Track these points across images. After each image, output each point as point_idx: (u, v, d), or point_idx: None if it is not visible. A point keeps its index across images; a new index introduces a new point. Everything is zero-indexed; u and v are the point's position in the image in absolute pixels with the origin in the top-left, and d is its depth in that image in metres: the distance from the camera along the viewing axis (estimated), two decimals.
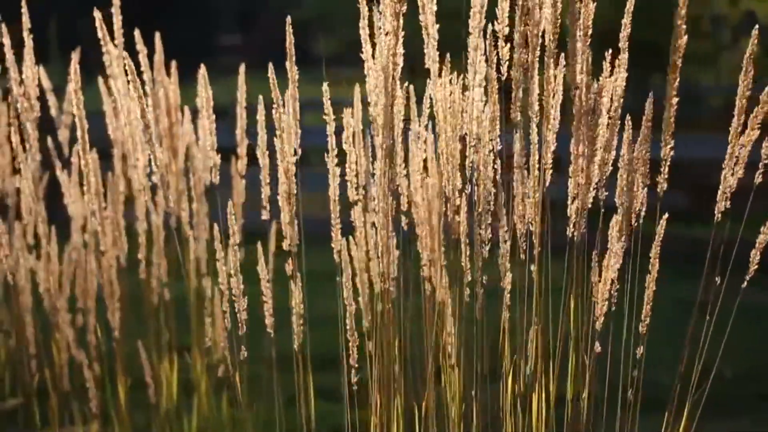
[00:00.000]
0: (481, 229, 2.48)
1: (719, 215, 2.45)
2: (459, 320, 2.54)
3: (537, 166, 2.48)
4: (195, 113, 3.49)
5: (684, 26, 2.37)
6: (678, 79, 2.40)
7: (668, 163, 2.43)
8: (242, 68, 3.22)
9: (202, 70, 2.72)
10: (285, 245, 2.72)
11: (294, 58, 2.43)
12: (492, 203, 2.48)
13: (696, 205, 7.33)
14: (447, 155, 2.50)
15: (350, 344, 2.46)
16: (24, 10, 3.01)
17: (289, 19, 2.38)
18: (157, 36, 3.35)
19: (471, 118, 2.47)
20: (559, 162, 2.50)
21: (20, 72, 3.10)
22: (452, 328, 2.57)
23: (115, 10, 3.17)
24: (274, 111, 2.41)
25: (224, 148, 3.12)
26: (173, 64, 3.39)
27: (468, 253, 2.51)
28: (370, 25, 2.42)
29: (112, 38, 3.14)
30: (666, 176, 2.45)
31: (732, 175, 2.45)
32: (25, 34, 3.06)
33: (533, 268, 2.47)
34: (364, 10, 2.40)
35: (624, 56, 2.45)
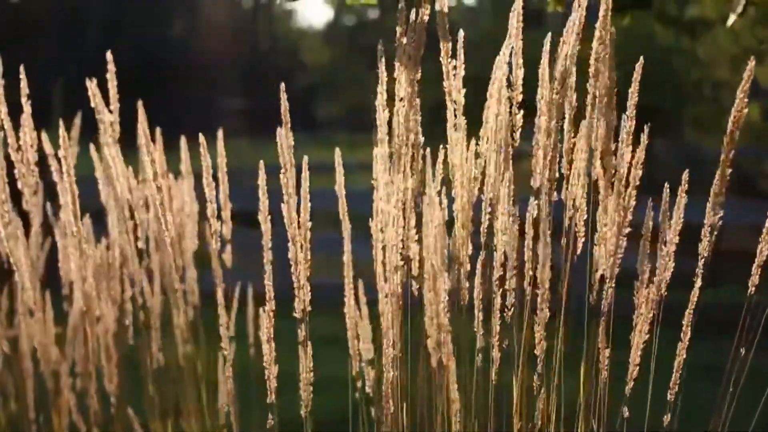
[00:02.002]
0: (504, 293, 2.46)
1: (753, 288, 2.44)
2: (468, 388, 2.52)
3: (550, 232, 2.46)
4: (198, 177, 3.48)
5: (746, 99, 2.36)
6: (734, 149, 2.39)
7: (716, 231, 2.42)
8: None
9: (201, 139, 2.69)
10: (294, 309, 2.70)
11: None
12: (512, 268, 2.46)
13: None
14: (462, 220, 2.50)
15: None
16: (22, 76, 2.99)
17: None
18: (140, 104, 3.29)
19: (487, 183, 2.47)
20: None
21: (17, 138, 3.09)
22: (455, 394, 2.53)
23: (110, 76, 3.17)
24: (281, 175, 2.39)
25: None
26: (158, 131, 3.35)
27: (481, 318, 2.49)
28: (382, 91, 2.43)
29: (108, 104, 3.14)
30: (712, 242, 2.42)
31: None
32: (23, 99, 3.04)
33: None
34: (382, 75, 2.41)
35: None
